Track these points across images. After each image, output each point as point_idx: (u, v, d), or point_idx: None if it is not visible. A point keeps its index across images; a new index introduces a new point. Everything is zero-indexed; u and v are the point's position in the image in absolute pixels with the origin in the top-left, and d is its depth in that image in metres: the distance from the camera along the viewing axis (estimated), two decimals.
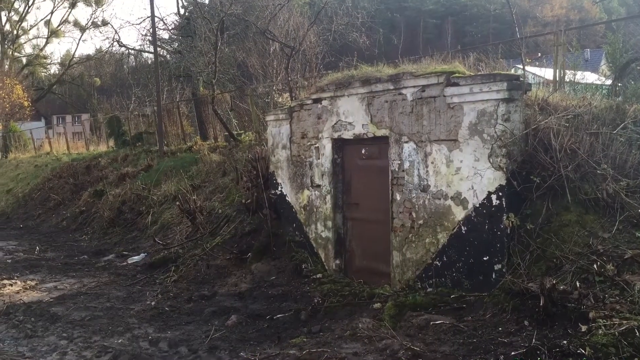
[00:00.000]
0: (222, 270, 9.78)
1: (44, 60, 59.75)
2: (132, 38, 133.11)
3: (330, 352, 5.62)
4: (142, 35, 27.54)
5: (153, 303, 8.46)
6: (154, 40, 22.34)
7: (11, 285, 9.89)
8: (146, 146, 21.99)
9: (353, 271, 9.00)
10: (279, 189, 10.57)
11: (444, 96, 7.32)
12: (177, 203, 12.63)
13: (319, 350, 5.68)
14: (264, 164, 11.10)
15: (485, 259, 6.89)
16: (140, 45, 48.03)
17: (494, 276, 6.76)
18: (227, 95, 21.27)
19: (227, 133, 18.41)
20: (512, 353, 4.99)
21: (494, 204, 6.81)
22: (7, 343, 6.94)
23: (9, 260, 12.16)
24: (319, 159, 9.53)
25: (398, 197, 7.96)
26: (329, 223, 9.31)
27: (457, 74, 7.27)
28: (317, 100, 9.51)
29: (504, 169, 6.72)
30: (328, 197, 9.33)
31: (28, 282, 10.14)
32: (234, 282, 9.32)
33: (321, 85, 9.62)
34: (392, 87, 8.07)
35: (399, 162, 7.95)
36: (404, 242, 7.84)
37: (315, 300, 7.64)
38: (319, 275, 8.90)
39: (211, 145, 18.19)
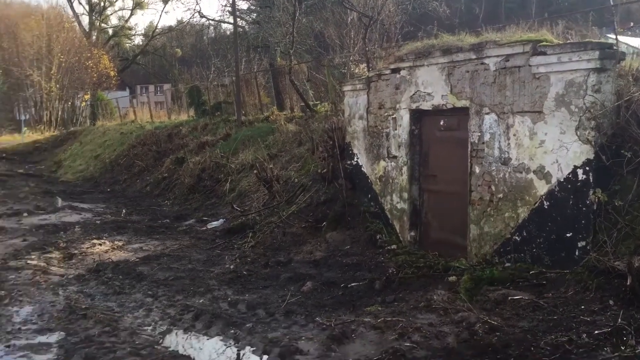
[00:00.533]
0: (297, 238, 9.96)
1: (129, 32, 61.98)
2: (212, 9, 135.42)
3: (405, 321, 5.65)
4: (222, 6, 28.02)
5: (232, 267, 8.76)
6: (234, 11, 22.68)
7: (100, 244, 10.49)
8: (225, 116, 22.47)
9: (428, 243, 8.93)
10: (355, 159, 10.58)
11: (530, 66, 7.04)
12: (255, 171, 12.91)
13: (394, 319, 5.72)
14: (340, 134, 11.12)
15: (568, 235, 6.66)
16: (220, 16, 48.96)
17: (577, 253, 6.53)
18: (304, 66, 21.36)
19: (303, 104, 18.53)
20: (596, 332, 4.84)
21: (580, 178, 6.54)
22: (97, 298, 7.39)
23: (98, 222, 12.88)
24: (396, 129, 9.45)
25: (477, 169, 7.79)
26: (405, 194, 9.25)
27: (544, 43, 6.96)
28: (396, 70, 9.39)
29: (592, 143, 6.42)
30: (404, 169, 9.26)
31: (115, 242, 10.72)
32: (308, 250, 9.48)
33: (400, 55, 9.47)
34: (474, 57, 7.84)
35: (479, 134, 7.75)
36: (482, 215, 7.69)
37: (390, 271, 7.66)
38: (393, 247, 8.90)
39: (287, 116, 18.37)
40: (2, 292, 7.44)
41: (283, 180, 12.38)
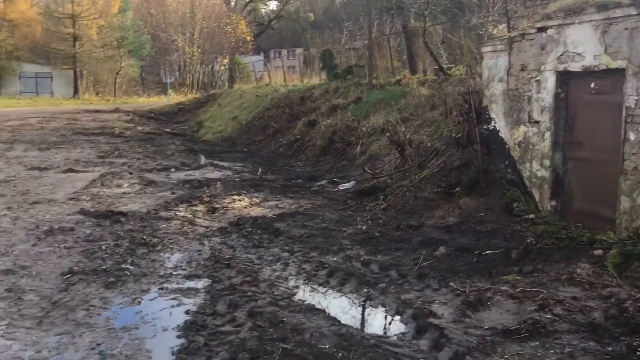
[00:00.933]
0: (429, 203, 9.85)
1: None
2: None
3: (546, 293, 5.43)
4: None
5: (364, 227, 8.88)
6: None
7: (240, 200, 11.08)
8: (356, 79, 22.51)
9: (570, 214, 8.43)
10: (492, 124, 10.17)
11: None
12: (387, 134, 12.87)
13: (533, 290, 5.52)
14: (477, 97, 10.72)
15: None
16: None
17: None
18: (438, 27, 20.73)
19: (436, 67, 18.06)
20: None
21: None
22: (238, 250, 7.84)
23: (237, 179, 13.59)
24: (539, 93, 8.92)
25: (632, 137, 7.17)
26: (546, 162, 8.77)
27: None
28: (542, 29, 8.81)
29: None
30: (547, 134, 8.75)
31: (253, 199, 11.27)
32: (441, 215, 9.35)
33: (547, 12, 8.86)
34: (634, 13, 7.14)
35: (637, 97, 7.11)
36: (636, 186, 7.10)
37: (528, 241, 7.36)
38: (531, 216, 8.50)
39: (420, 79, 18.02)
40: (156, 239, 8.13)
41: (415, 144, 12.23)
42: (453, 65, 18.34)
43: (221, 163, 16.66)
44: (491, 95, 10.16)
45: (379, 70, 22.37)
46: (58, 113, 34.90)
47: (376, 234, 8.53)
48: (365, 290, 6.23)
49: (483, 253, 7.34)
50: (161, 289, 6.28)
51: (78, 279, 6.43)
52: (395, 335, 5.17)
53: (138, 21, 56.99)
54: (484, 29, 18.30)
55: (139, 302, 5.87)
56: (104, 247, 7.66)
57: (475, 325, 5.18)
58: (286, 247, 7.89)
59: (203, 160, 16.33)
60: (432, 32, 20.33)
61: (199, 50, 51.56)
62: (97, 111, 37.74)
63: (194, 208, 10.34)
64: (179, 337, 5.03)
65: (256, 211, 10.26)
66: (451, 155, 10.87)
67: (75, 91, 53.77)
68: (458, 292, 5.94)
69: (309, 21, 61.05)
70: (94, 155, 17.17)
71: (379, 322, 5.59)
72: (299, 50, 49.43)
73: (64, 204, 10.35)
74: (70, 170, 14.20)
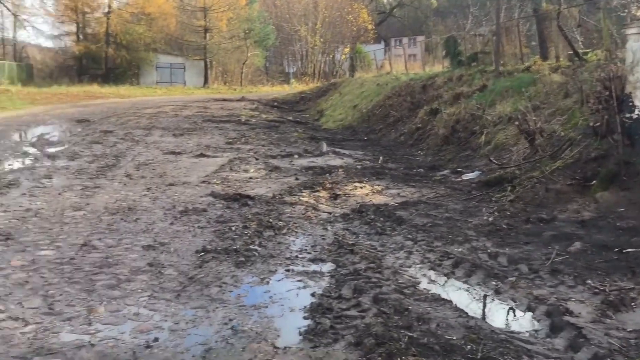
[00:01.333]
0: (561, 196, 9.30)
1: None
2: None
3: None
4: None
5: (490, 219, 8.56)
6: None
7: (361, 188, 11.13)
8: (481, 66, 21.72)
9: None
10: (636, 112, 9.38)
11: None
12: (516, 123, 12.30)
13: None
14: (619, 83, 9.91)
15: None
16: None
17: None
18: (574, 10, 19.45)
19: (571, 52, 16.97)
20: None
21: None
22: (361, 236, 7.87)
23: (359, 167, 13.65)
24: None
25: None
26: None
27: None
28: None
29: None
30: None
31: (375, 187, 11.26)
32: (574, 209, 8.80)
33: None
34: None
35: None
36: None
37: None
38: None
39: (552, 65, 17.02)
40: (281, 223, 8.37)
41: (546, 134, 11.58)
42: (589, 50, 17.16)
43: (342, 151, 16.84)
44: (636, 81, 9.37)
45: (506, 57, 21.44)
46: (190, 102, 37.07)
47: (503, 226, 8.18)
48: (494, 283, 6.01)
49: (624, 251, 6.80)
50: (287, 270, 6.45)
51: (211, 257, 6.78)
52: (527, 331, 4.92)
53: (264, 12, 58.95)
54: (626, 11, 16.95)
55: (267, 282, 6.06)
56: (233, 228, 8.01)
57: (616, 326, 4.81)
58: (409, 236, 7.79)
59: (325, 147, 16.58)
60: (566, 15, 19.10)
61: (321, 40, 52.35)
62: (224, 100, 39.62)
63: (317, 194, 10.52)
64: (305, 318, 5.14)
65: (378, 199, 10.24)
66: (587, 146, 10.18)
67: (205, 81, 56.82)
68: (596, 290, 5.55)
69: (432, 8, 59.76)
70: (222, 142, 18.02)
71: (509, 317, 5.35)
72: (420, 38, 48.64)
73: (197, 187, 10.97)
74: (201, 155, 15.02)
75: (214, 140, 18.49)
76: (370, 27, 54.98)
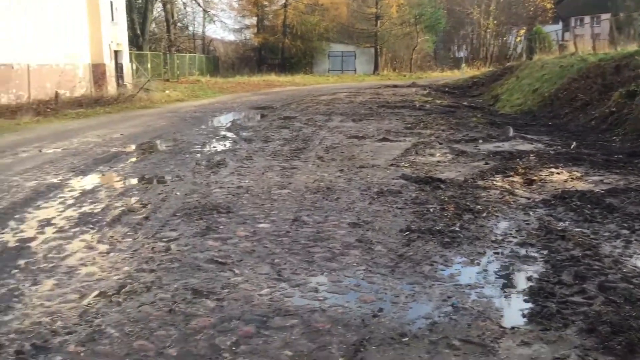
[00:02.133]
0: None
1: None
2: None
3: None
4: None
5: None
6: None
7: (558, 173, 10.57)
8: None
9: None
10: None
11: None
12: None
13: None
14: None
15: None
16: None
17: None
18: None
19: None
20: None
21: None
22: (567, 223, 7.50)
23: (552, 152, 12.97)
24: None
25: None
26: None
27: None
28: None
29: None
30: None
31: (573, 173, 10.63)
32: None
33: None
34: None
35: None
36: None
37: None
38: None
39: None
40: (479, 206, 8.27)
41: None
42: None
43: (527, 136, 16.10)
44: None
45: None
46: (362, 88, 37.82)
47: None
48: None
49: None
50: (496, 253, 6.37)
51: (416, 236, 6.91)
52: None
53: None
54: None
55: (478, 264, 6.05)
56: (431, 210, 8.08)
57: None
58: (624, 224, 7.26)
59: (511, 132, 15.98)
60: None
61: (495, 22, 50.22)
62: (395, 86, 39.85)
63: (510, 179, 10.21)
64: (526, 301, 5.05)
65: (578, 185, 9.66)
66: None
67: (375, 67, 57.52)
68: None
69: None
70: (401, 126, 18.16)
71: None
72: (605, 16, 44.65)
73: (386, 169, 11.20)
74: (384, 139, 15.28)
75: (392, 125, 18.70)
76: (549, 5, 51.55)
